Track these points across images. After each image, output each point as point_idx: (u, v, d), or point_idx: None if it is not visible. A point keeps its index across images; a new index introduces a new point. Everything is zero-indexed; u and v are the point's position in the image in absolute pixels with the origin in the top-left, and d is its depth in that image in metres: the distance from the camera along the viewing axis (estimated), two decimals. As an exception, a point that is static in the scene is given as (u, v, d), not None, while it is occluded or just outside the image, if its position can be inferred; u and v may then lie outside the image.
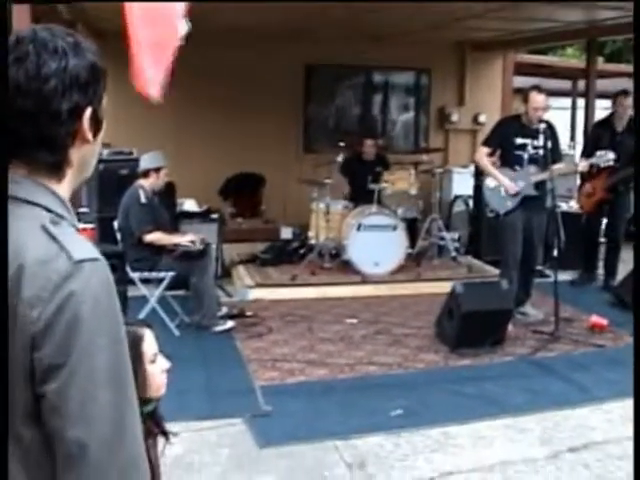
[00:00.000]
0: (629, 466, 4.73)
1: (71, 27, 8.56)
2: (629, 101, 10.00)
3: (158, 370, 2.86)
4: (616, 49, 25.47)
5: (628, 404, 6.18)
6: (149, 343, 2.86)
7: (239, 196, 12.79)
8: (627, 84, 18.98)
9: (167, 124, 12.24)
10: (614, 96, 10.46)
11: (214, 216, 10.17)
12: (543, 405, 6.18)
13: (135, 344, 2.70)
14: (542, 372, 6.96)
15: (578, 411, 6.09)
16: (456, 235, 11.54)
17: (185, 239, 8.01)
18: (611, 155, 8.28)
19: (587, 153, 9.50)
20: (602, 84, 13.87)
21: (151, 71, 4.75)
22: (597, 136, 10.12)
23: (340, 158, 10.62)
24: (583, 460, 5.25)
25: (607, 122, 10.32)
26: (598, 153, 8.37)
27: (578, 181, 10.65)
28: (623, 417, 5.93)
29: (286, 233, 11.66)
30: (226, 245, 10.52)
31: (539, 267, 9.50)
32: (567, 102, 19.54)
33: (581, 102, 14.89)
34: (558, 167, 8.33)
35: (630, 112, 9.99)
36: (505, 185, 8.24)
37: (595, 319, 8.26)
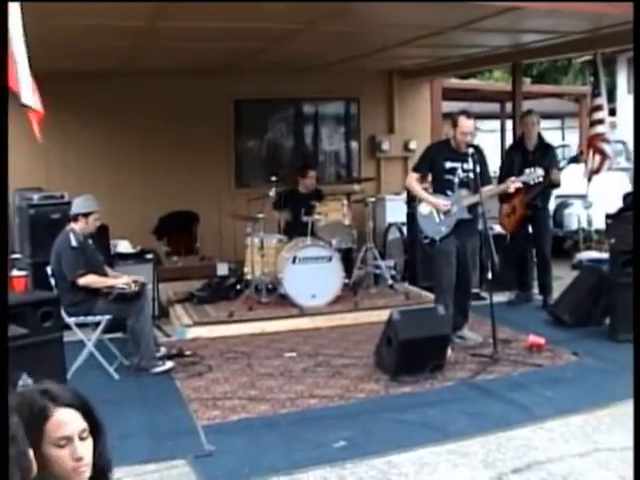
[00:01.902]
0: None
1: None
2: (534, 119, 10.33)
3: (67, 456, 2.46)
4: (543, 69, 25.95)
5: (570, 421, 6.27)
6: (59, 424, 2.45)
7: (173, 234, 12.73)
8: (553, 104, 19.41)
9: (99, 165, 12.20)
10: (520, 117, 10.79)
11: (149, 256, 10.09)
12: (485, 428, 6.19)
13: (34, 419, 2.36)
14: (483, 395, 6.99)
15: (520, 431, 6.11)
16: (392, 263, 11.60)
17: (119, 281, 7.95)
18: (540, 171, 8.41)
19: (503, 175, 9.69)
20: (529, 105, 14.06)
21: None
22: (511, 158, 10.39)
23: (272, 192, 10.61)
24: (527, 481, 5.28)
25: (519, 144, 10.73)
26: (527, 171, 8.48)
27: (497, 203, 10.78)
28: (565, 435, 5.98)
29: (222, 269, 11.61)
30: (162, 284, 10.46)
31: (475, 290, 9.60)
32: (496, 124, 19.82)
33: (510, 124, 15.10)
34: (489, 189, 8.45)
35: (537, 129, 10.39)
36: (436, 204, 8.30)
37: (533, 339, 8.33)
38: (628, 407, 6.04)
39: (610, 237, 10.17)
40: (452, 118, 8.54)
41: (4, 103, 4.72)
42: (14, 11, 5.45)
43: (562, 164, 10.33)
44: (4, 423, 1.49)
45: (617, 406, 6.49)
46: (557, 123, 21.33)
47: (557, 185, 10.32)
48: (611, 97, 24.84)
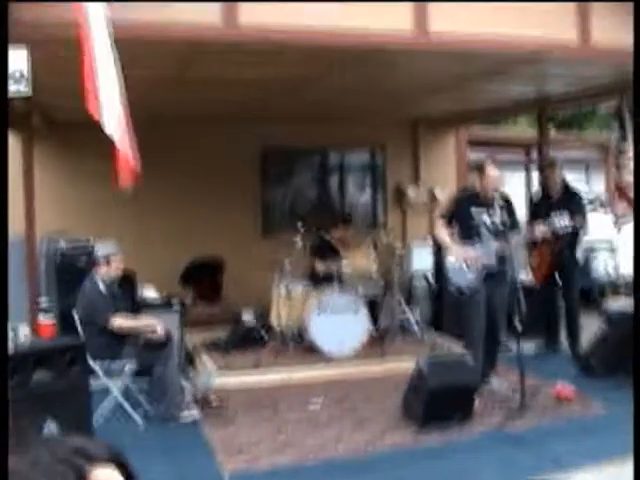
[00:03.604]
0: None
1: (26, 118, 8.59)
2: (557, 172, 10.34)
3: None
4: (568, 116, 25.93)
5: (601, 471, 6.18)
6: None
7: (199, 282, 12.72)
8: (578, 152, 19.35)
9: (126, 211, 12.24)
10: (542, 169, 10.76)
11: (175, 303, 10.09)
12: (515, 478, 6.12)
13: None
14: (511, 444, 6.91)
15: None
16: (418, 311, 11.54)
17: (146, 322, 7.96)
18: (567, 218, 8.38)
19: (529, 223, 9.65)
20: (554, 152, 14.05)
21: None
22: (536, 206, 10.40)
23: (299, 240, 10.60)
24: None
25: (543, 191, 10.79)
26: (555, 219, 8.45)
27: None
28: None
29: (248, 317, 11.57)
30: (188, 332, 10.44)
31: (503, 339, 9.52)
32: (521, 173, 19.78)
33: (536, 172, 15.06)
34: (517, 237, 8.40)
35: (561, 177, 10.50)
36: (465, 255, 8.25)
37: (561, 388, 8.25)
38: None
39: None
40: (479, 167, 8.53)
41: (4, 107, 4.74)
42: (102, 33, 5.45)
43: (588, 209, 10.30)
44: (4, 422, 1.47)
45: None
46: (582, 170, 21.24)
47: (583, 231, 10.28)
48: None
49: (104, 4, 5.54)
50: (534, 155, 16.31)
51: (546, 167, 10.82)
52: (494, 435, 7.18)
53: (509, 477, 6.16)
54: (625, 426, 7.31)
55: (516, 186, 18.51)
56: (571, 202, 10.27)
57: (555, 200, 10.29)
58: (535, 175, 15.14)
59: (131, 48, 6.16)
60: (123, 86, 5.67)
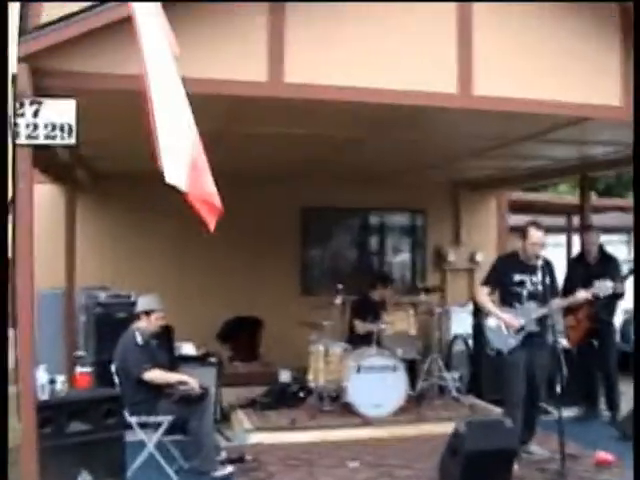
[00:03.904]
0: None
1: (70, 171, 8.71)
2: (593, 237, 10.32)
3: None
4: (609, 184, 25.92)
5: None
6: None
7: (237, 339, 12.74)
8: (619, 218, 19.26)
9: (167, 267, 12.33)
10: (581, 233, 10.73)
11: (212, 360, 10.07)
12: None
13: None
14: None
15: None
16: (457, 374, 11.44)
17: (183, 378, 7.94)
18: (609, 284, 8.32)
19: (567, 289, 9.54)
20: (596, 219, 13.99)
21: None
22: (573, 272, 10.33)
23: (338, 300, 10.59)
24: None
25: (580, 257, 10.73)
26: (597, 284, 8.40)
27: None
28: None
29: (285, 376, 11.49)
30: (224, 389, 10.39)
31: (542, 404, 9.39)
32: (562, 238, 19.69)
33: (577, 238, 14.99)
34: (558, 301, 8.35)
35: (598, 242, 10.50)
36: (507, 322, 8.20)
37: (601, 455, 8.12)
38: None
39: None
40: (521, 229, 8.49)
41: (4, 105, 4.77)
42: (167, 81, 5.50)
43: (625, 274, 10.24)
44: (3, 422, 1.46)
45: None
46: (624, 237, 21.14)
47: (620, 296, 10.16)
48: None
49: (169, 54, 5.59)
50: (575, 220, 16.25)
51: (584, 232, 10.80)
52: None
53: None
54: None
55: (557, 251, 18.43)
56: (608, 267, 10.21)
57: (593, 265, 10.28)
58: (577, 240, 15.08)
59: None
60: (196, 133, 5.69)
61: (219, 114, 7.91)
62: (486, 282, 8.60)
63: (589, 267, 10.22)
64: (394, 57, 7.36)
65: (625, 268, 10.53)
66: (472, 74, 7.52)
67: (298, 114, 8.04)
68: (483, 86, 7.53)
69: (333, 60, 7.15)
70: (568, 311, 10.18)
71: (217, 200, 5.79)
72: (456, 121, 8.70)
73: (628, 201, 22.81)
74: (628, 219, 21.02)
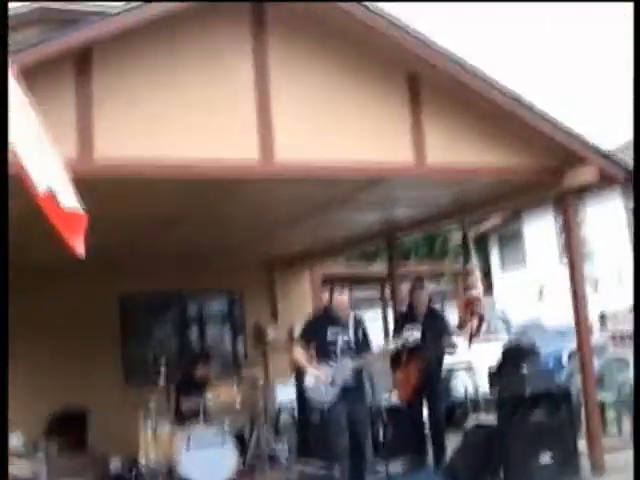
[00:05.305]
0: None
1: None
2: (424, 291, 10.75)
3: None
4: (423, 254, 27.00)
5: None
6: None
7: (65, 432, 12.48)
8: (431, 286, 20.09)
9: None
10: (410, 290, 11.13)
11: (41, 451, 9.91)
12: None
13: None
14: None
15: None
16: (286, 442, 11.60)
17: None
18: (417, 333, 8.70)
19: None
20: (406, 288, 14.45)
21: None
22: (400, 326, 10.64)
23: (162, 381, 10.58)
24: None
25: (409, 311, 10.99)
26: (405, 333, 8.77)
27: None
28: None
29: (115, 466, 11.41)
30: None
31: (369, 459, 9.61)
32: (377, 313, 20.21)
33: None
34: (371, 353, 8.69)
35: (426, 296, 10.83)
36: (318, 375, 8.47)
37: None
38: None
39: (494, 388, 10.40)
40: (330, 288, 8.86)
41: (4, 106, 4.73)
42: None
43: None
44: (4, 421, 1.59)
45: None
46: (438, 301, 22.02)
47: (453, 349, 10.55)
48: (487, 274, 25.89)
49: None
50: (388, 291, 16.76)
51: (413, 286, 11.10)
52: None
53: None
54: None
55: (375, 326, 18.98)
56: (435, 321, 10.62)
57: (422, 321, 10.48)
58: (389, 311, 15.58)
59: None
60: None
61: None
62: (301, 337, 8.91)
63: (416, 321, 10.49)
64: (198, 128, 7.66)
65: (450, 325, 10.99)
66: (273, 141, 7.89)
67: (109, 193, 8.09)
68: (283, 152, 7.91)
69: (138, 133, 7.35)
70: (397, 367, 10.50)
71: (81, 214, 5.29)
72: (262, 190, 9.01)
73: (439, 265, 23.84)
74: (443, 284, 22.03)
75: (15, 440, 10.22)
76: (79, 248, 5.23)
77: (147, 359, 14.00)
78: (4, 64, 5.08)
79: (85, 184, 7.22)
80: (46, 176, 5.22)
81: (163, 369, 10.64)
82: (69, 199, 5.25)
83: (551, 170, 9.37)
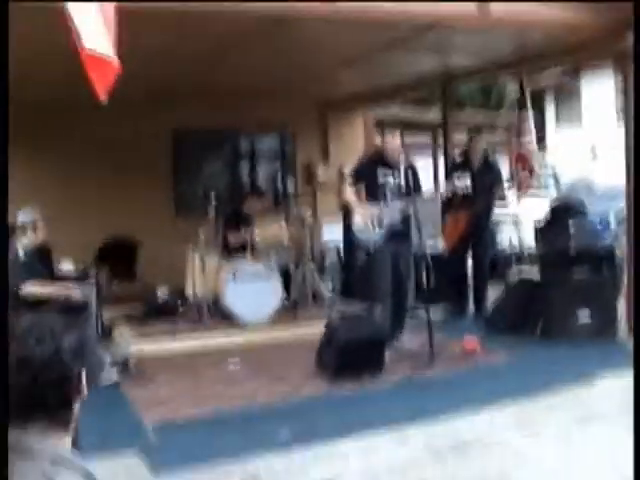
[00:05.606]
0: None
1: None
2: (480, 142, 10.65)
3: None
4: (476, 104, 26.54)
5: (503, 409, 6.57)
6: None
7: (115, 261, 12.74)
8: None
9: (48, 179, 12.29)
10: (468, 138, 11.05)
11: (92, 276, 10.16)
12: (425, 418, 6.43)
13: None
14: (421, 391, 7.26)
15: (459, 421, 6.38)
16: (330, 281, 11.82)
17: (63, 288, 8.06)
18: (468, 181, 8.67)
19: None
20: (459, 137, 14.38)
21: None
22: (453, 174, 10.62)
23: (212, 214, 10.71)
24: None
25: (463, 161, 10.96)
26: (456, 181, 8.74)
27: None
28: (502, 422, 6.28)
29: (163, 293, 11.69)
30: (104, 308, 10.49)
31: (411, 304, 9.79)
32: (428, 161, 20.14)
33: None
34: (421, 198, 8.71)
35: (481, 151, 10.70)
36: (367, 214, 8.55)
37: (467, 341, 8.63)
38: (560, 396, 6.44)
39: (539, 243, 10.48)
40: (382, 131, 8.84)
41: (4, 104, 4.80)
42: None
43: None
44: (4, 422, 1.65)
45: (549, 396, 6.83)
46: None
47: (504, 201, 10.55)
48: (540, 130, 25.57)
49: None
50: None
51: (470, 136, 11.01)
52: (404, 384, 7.51)
53: (420, 417, 6.46)
54: (526, 371, 7.79)
55: (422, 170, 18.96)
56: (490, 172, 10.61)
57: (474, 170, 10.40)
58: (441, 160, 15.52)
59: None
60: None
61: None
62: (351, 176, 8.92)
63: (471, 172, 10.47)
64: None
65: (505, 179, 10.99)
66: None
67: (156, 24, 7.93)
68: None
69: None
70: (446, 214, 10.58)
71: (113, 61, 5.30)
72: (316, 29, 8.84)
73: (492, 117, 23.55)
74: (491, 136, 21.82)
75: (66, 265, 10.47)
76: (102, 94, 5.30)
77: (198, 194, 14.17)
78: (4, 65, 5.01)
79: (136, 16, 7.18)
80: (86, 21, 5.21)
81: (213, 203, 10.77)
82: (104, 45, 5.26)
83: (615, 29, 9.12)
